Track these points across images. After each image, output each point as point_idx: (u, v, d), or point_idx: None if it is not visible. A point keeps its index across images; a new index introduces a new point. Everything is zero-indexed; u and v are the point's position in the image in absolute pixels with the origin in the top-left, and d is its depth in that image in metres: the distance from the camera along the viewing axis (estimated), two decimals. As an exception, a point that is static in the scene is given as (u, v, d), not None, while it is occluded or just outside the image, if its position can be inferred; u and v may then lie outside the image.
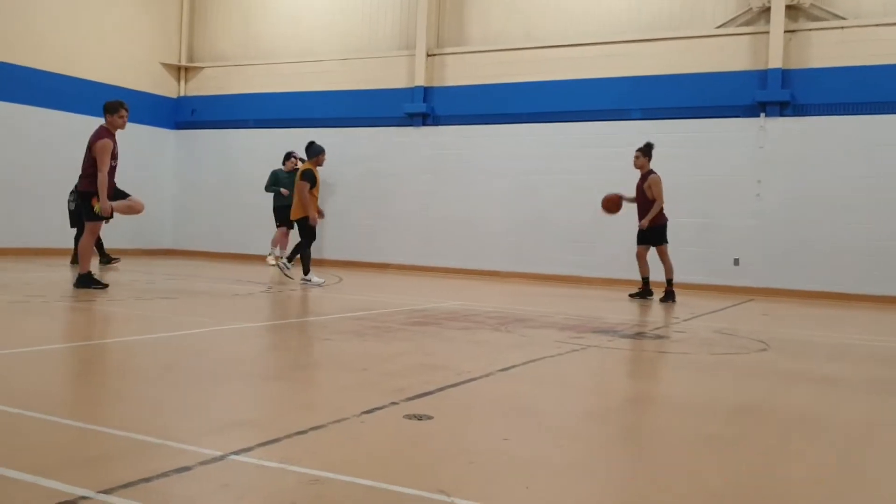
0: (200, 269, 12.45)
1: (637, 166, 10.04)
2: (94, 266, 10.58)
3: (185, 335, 5.78)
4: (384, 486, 2.37)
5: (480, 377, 4.25)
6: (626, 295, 10.44)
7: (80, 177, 8.17)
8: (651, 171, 9.91)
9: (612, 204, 10.09)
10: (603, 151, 12.85)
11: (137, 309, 7.37)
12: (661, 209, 9.84)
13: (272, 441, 2.80)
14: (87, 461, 2.50)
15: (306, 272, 9.93)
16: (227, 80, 16.38)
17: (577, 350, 5.42)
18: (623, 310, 8.81)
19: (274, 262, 13.28)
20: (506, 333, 6.12)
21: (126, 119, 8.23)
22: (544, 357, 5.07)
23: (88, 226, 8.20)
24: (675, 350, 5.72)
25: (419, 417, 3.21)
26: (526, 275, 13.22)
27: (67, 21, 14.24)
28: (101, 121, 8.24)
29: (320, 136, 15.06)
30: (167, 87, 16.60)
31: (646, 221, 9.80)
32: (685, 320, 7.75)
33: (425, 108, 14.25)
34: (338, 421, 3.13)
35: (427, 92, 14.36)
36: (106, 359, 4.70)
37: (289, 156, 13.45)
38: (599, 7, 13.19)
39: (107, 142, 7.94)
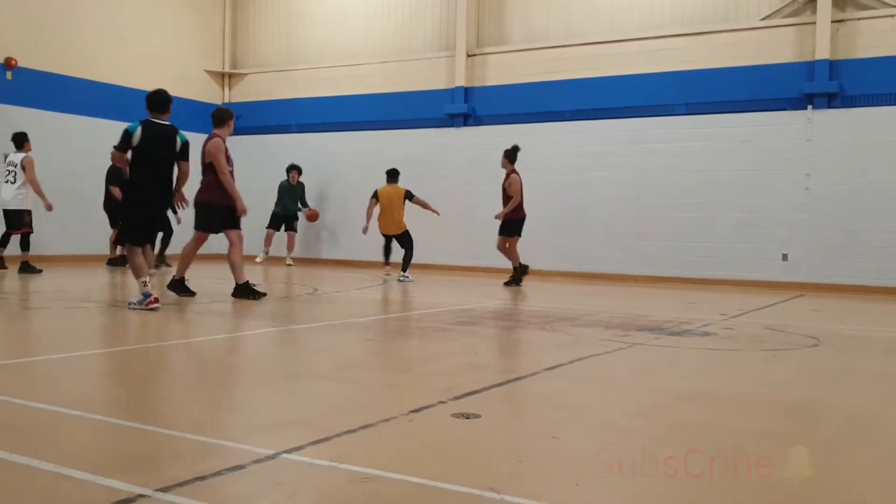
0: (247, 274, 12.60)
1: (502, 166, 10.98)
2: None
3: (236, 337, 5.88)
4: (435, 483, 2.39)
5: (527, 376, 4.25)
6: (631, 290, 10.34)
7: (199, 190, 8.00)
8: (513, 171, 10.85)
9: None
10: (647, 148, 12.73)
11: (187, 312, 7.50)
12: (520, 205, 10.85)
13: (323, 440, 2.84)
14: (145, 460, 2.56)
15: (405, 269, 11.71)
16: (270, 85, 16.57)
17: (623, 348, 5.39)
18: (669, 307, 8.72)
19: (261, 261, 14.57)
20: (551, 332, 6.10)
21: (232, 128, 8.28)
22: (591, 355, 5.04)
23: (197, 235, 8.02)
24: (724, 347, 5.65)
25: (467, 416, 3.22)
26: (569, 273, 13.14)
27: (113, 32, 14.54)
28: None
29: (362, 138, 15.22)
30: (212, 94, 16.85)
31: (501, 214, 10.86)
32: (733, 317, 7.64)
33: (466, 108, 14.26)
34: (386, 420, 3.16)
35: (468, 92, 14.36)
36: (162, 361, 4.79)
37: (290, 168, 14.66)
38: (641, 2, 13.06)
39: (218, 140, 7.92)
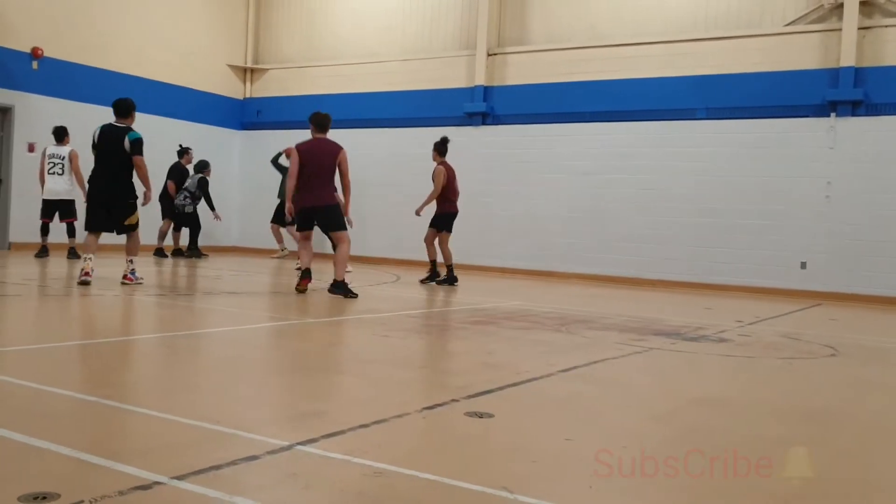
0: (264, 266, 12.68)
1: (433, 158, 10.62)
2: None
3: (251, 329, 5.91)
4: (447, 480, 2.40)
5: (541, 377, 4.25)
6: (648, 294, 10.29)
7: (315, 190, 8.07)
8: (442, 163, 10.45)
9: None
10: (665, 151, 12.69)
11: (205, 303, 7.55)
12: (450, 200, 10.43)
13: (337, 433, 2.85)
14: (162, 448, 2.59)
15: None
16: (291, 81, 16.64)
17: (638, 352, 5.37)
18: (685, 312, 8.68)
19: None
20: (566, 334, 6.09)
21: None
22: (606, 359, 5.03)
23: (344, 234, 8.19)
24: (740, 353, 5.61)
25: (480, 415, 3.22)
26: (585, 275, 13.12)
27: (138, 24, 14.66)
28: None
29: (380, 135, 15.24)
30: (233, 89, 16.95)
31: (420, 208, 10.53)
32: (750, 324, 7.60)
33: (485, 107, 14.26)
34: (400, 416, 3.17)
35: (487, 91, 14.36)
36: (179, 350, 4.83)
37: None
38: (665, 5, 13.01)
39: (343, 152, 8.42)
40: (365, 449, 2.67)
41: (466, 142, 14.42)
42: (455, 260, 14.22)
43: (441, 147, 10.49)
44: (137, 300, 7.31)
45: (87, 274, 7.77)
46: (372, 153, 15.05)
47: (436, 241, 10.55)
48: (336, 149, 8.18)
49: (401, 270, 13.15)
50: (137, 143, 8.13)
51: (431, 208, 10.58)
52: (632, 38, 13.14)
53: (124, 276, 8.10)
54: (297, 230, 8.46)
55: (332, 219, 8.14)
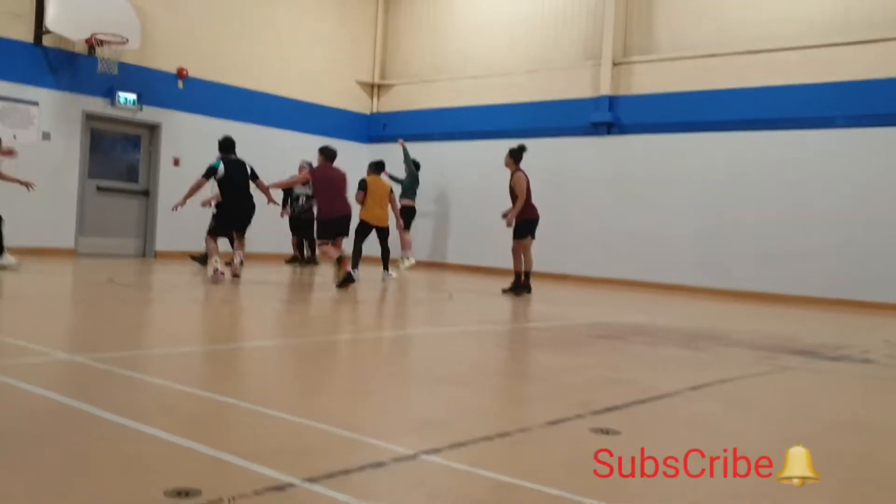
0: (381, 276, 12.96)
1: (506, 165, 10.38)
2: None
3: (378, 338, 6.06)
4: (572, 496, 2.38)
5: (669, 395, 4.14)
6: (782, 310, 9.74)
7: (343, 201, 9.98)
8: (518, 170, 10.18)
9: None
10: (803, 161, 12.09)
11: (333, 310, 7.79)
12: (531, 205, 10.15)
13: (461, 444, 2.88)
14: (294, 450, 2.69)
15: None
16: (416, 95, 16.97)
17: (772, 371, 5.15)
18: (824, 330, 8.25)
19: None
20: (694, 351, 5.92)
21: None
22: (737, 377, 4.85)
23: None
24: (887, 376, 5.29)
25: (606, 432, 3.18)
26: (714, 290, 12.67)
27: (273, 45, 15.36)
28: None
29: (504, 147, 15.24)
30: (362, 104, 17.46)
31: (510, 218, 10.09)
32: (896, 344, 7.14)
33: (610, 117, 14.05)
34: (523, 430, 3.17)
35: (612, 101, 14.16)
36: (307, 356, 5.01)
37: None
38: (801, 9, 12.42)
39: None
40: (489, 461, 2.69)
41: (591, 152, 14.27)
42: (579, 272, 14.12)
43: (518, 154, 10.32)
44: (267, 306, 7.62)
45: (221, 274, 9.19)
46: (495, 164, 15.00)
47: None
48: (344, 173, 10.28)
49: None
50: (253, 170, 10.09)
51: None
52: (765, 45, 12.62)
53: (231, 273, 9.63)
54: (334, 236, 9.83)
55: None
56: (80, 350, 4.56)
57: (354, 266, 10.80)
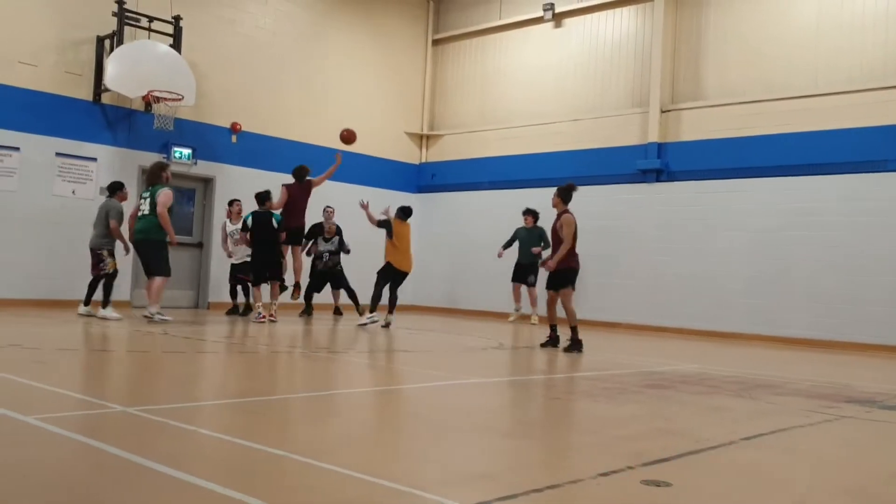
0: (434, 324, 12.98)
1: (553, 205, 9.44)
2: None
3: (425, 388, 6.06)
4: (622, 550, 2.35)
5: (722, 445, 4.06)
6: (839, 358, 9.44)
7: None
8: (565, 211, 9.24)
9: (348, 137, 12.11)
10: (855, 206, 11.87)
11: (382, 360, 7.83)
12: (572, 252, 9.17)
13: (510, 497, 2.86)
14: (342, 503, 2.71)
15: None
16: (464, 145, 17.17)
17: (830, 420, 5.02)
18: (883, 378, 8.01)
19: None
20: (748, 400, 5.79)
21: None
22: (793, 427, 4.74)
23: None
24: (950, 426, 5.10)
25: (657, 484, 3.13)
26: (767, 337, 12.41)
27: (322, 97, 15.76)
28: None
29: (552, 195, 15.28)
30: (411, 155, 17.72)
31: (553, 263, 9.11)
32: (961, 393, 6.89)
33: (659, 164, 14.02)
34: (573, 482, 3.14)
35: (661, 148, 14.14)
36: (356, 407, 5.04)
37: (525, 213, 14.11)
38: (848, 54, 12.30)
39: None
40: (538, 513, 2.67)
41: (641, 199, 14.21)
42: (629, 320, 13.96)
43: (566, 194, 9.38)
44: (312, 356, 7.69)
45: (263, 318, 10.98)
46: (544, 212, 15.12)
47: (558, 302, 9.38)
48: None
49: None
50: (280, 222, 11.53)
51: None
52: (812, 90, 12.52)
53: (268, 316, 11.08)
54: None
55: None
56: (135, 402, 4.66)
57: (373, 310, 11.11)
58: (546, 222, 12.47)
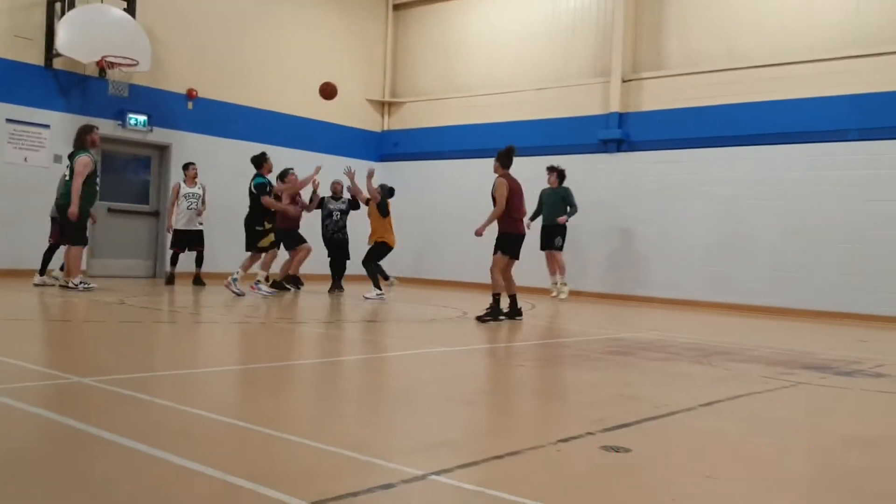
0: (400, 294, 12.95)
1: (494, 171, 8.79)
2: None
3: (389, 357, 6.04)
4: (582, 516, 2.35)
5: (681, 411, 4.10)
6: (794, 325, 9.64)
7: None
8: (503, 175, 8.61)
9: (329, 91, 11.14)
10: (813, 175, 12.04)
11: (345, 330, 7.78)
12: (513, 218, 8.57)
13: (470, 464, 2.86)
14: (302, 473, 2.67)
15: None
16: (427, 113, 17.03)
17: (786, 387, 5.09)
18: (836, 345, 8.17)
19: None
20: (707, 366, 5.86)
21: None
22: (750, 393, 4.80)
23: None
24: (901, 390, 5.22)
25: (617, 449, 3.14)
26: (727, 305, 12.59)
27: (281, 64, 15.49)
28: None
29: (515, 164, 15.23)
30: (373, 122, 17.54)
31: (481, 228, 8.66)
32: (912, 358, 7.06)
33: (620, 133, 14.05)
34: (534, 448, 3.14)
35: (622, 118, 14.16)
36: (318, 377, 4.99)
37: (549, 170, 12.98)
38: (811, 23, 12.39)
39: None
40: (499, 481, 2.66)
41: (602, 168, 14.25)
42: (590, 289, 14.05)
43: (504, 158, 8.69)
44: (283, 327, 7.62)
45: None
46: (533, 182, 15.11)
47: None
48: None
49: (534, 298, 13.07)
50: (259, 187, 10.93)
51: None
52: (775, 59, 12.60)
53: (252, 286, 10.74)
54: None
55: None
56: (91, 372, 4.56)
57: (379, 285, 11.14)
58: (569, 183, 12.74)
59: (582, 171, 14.38)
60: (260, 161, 11.08)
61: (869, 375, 5.77)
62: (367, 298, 10.86)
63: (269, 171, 11.21)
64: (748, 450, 3.39)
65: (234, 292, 10.38)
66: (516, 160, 8.88)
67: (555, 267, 13.01)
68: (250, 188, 10.95)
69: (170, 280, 11.95)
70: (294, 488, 2.44)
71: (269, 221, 10.92)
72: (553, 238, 12.76)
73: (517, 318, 8.77)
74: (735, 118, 12.87)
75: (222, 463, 2.71)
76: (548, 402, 4.41)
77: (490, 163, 8.92)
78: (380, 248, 11.29)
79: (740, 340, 7.94)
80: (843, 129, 11.87)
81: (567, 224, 12.85)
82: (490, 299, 8.56)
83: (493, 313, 8.43)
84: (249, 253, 10.87)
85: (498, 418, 3.90)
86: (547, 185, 13.01)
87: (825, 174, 11.93)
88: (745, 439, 3.60)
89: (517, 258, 8.76)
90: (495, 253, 8.66)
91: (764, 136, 12.54)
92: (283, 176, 11.79)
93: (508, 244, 8.63)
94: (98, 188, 10.65)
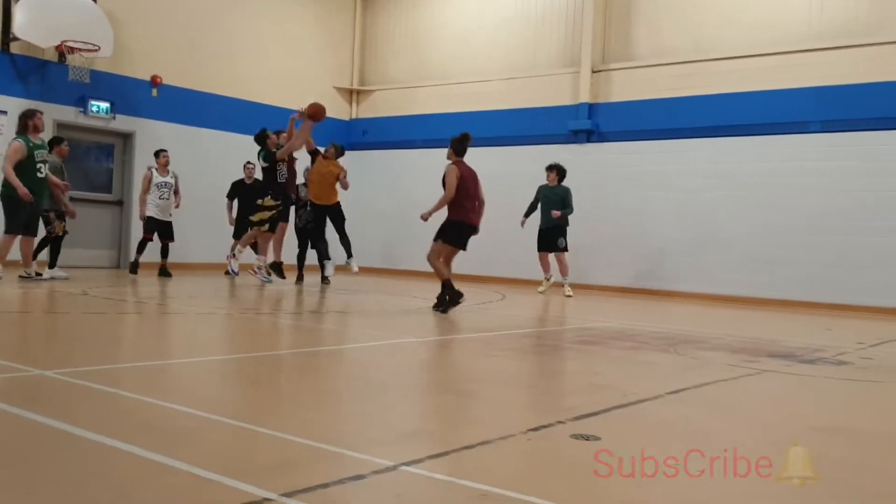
0: (371, 285, 12.90)
1: (447, 157, 8.85)
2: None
3: (360, 348, 6.01)
4: (552, 505, 2.35)
5: (649, 399, 4.13)
6: (761, 314, 9.79)
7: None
8: (456, 163, 8.61)
9: (318, 113, 10.38)
10: (780, 167, 12.21)
11: (314, 321, 7.73)
12: (463, 206, 8.43)
13: (441, 454, 2.85)
14: (271, 465, 2.64)
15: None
16: (396, 101, 16.95)
17: (752, 374, 5.16)
18: (802, 333, 8.30)
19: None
20: (674, 355, 5.92)
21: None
22: (716, 381, 4.85)
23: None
24: (862, 378, 5.31)
25: (586, 438, 3.15)
26: (694, 294, 12.74)
27: (249, 51, 15.30)
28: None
29: (485, 154, 15.20)
30: (341, 110, 17.41)
31: (427, 213, 8.56)
32: (872, 346, 7.19)
33: (590, 124, 14.11)
34: (504, 437, 3.14)
35: (592, 108, 14.21)
36: (288, 368, 4.95)
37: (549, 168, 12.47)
38: (777, 16, 12.54)
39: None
40: (469, 470, 2.65)
41: (572, 159, 14.25)
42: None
43: (457, 145, 8.65)
44: (250, 318, 7.55)
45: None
46: (477, 171, 15.08)
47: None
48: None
49: (505, 288, 13.12)
50: (268, 157, 10.82)
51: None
52: (741, 51, 12.73)
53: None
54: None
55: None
56: (53, 365, 4.47)
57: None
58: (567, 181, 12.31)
59: (552, 161, 14.41)
60: (262, 138, 10.95)
61: (832, 363, 5.86)
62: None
63: (274, 145, 10.92)
64: (713, 438, 3.42)
65: (262, 280, 10.79)
66: (488, 150, 8.92)
67: (549, 265, 12.43)
68: (260, 164, 10.94)
69: (134, 269, 11.66)
70: (263, 480, 2.41)
71: (274, 200, 10.68)
72: (556, 239, 12.16)
73: (460, 300, 8.41)
74: (703, 110, 12.99)
75: (190, 456, 2.66)
76: (518, 392, 4.42)
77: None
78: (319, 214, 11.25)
79: (707, 329, 8.03)
80: (806, 122, 12.04)
81: (569, 222, 12.25)
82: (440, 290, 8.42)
83: (449, 300, 8.25)
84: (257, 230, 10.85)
85: (469, 408, 3.89)
86: (545, 182, 12.44)
87: (791, 165, 12.10)
88: (710, 427, 3.64)
89: (464, 248, 8.56)
90: (436, 240, 8.45)
91: (729, 128, 12.68)
92: (263, 139, 11.11)
93: (456, 234, 8.40)
94: (63, 177, 10.43)
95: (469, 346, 6.40)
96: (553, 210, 11.99)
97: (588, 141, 14.21)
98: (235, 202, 12.74)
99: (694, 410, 4.01)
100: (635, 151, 13.63)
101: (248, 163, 12.68)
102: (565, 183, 12.33)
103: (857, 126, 11.68)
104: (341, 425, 3.34)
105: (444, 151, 8.77)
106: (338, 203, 11.41)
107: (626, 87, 13.95)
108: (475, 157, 16.07)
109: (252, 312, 8.08)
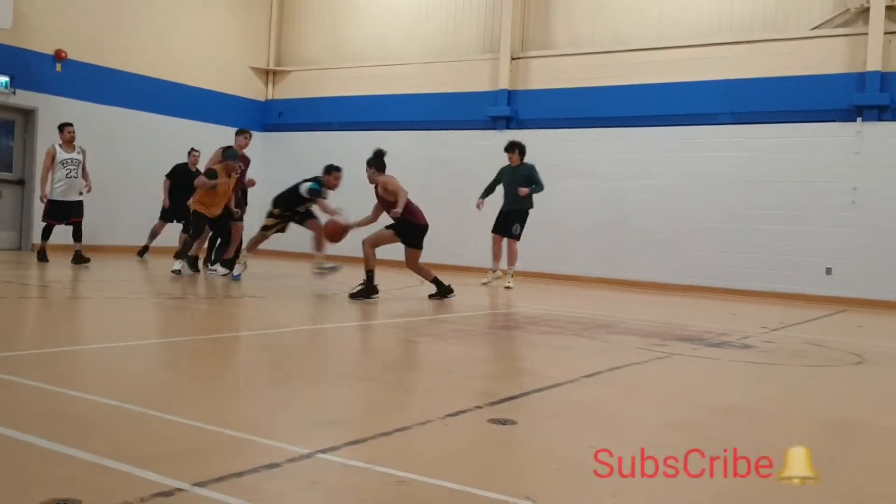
0: (289, 269, 12.72)
1: (370, 180, 8.78)
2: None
3: (276, 333, 5.91)
4: (470, 489, 2.37)
5: (565, 383, 4.21)
6: (671, 299, 10.14)
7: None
8: (384, 176, 8.63)
9: (336, 234, 9.22)
10: (690, 157, 12.58)
11: (230, 307, 7.57)
12: (414, 211, 8.60)
13: (358, 441, 2.83)
14: (183, 454, 2.58)
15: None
16: (314, 83, 16.68)
17: (661, 358, 5.31)
18: (709, 318, 8.60)
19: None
20: (589, 339, 6.05)
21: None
22: (628, 364, 4.98)
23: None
24: (764, 360, 5.54)
25: (503, 422, 3.19)
26: (609, 280, 13.03)
27: (160, 27, 14.74)
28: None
29: (404, 139, 15.20)
30: (256, 91, 17.02)
31: (395, 211, 8.32)
32: (774, 330, 7.51)
33: (509, 111, 14.21)
34: (422, 423, 3.15)
35: (511, 95, 14.31)
36: (200, 355, 4.83)
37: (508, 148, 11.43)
38: (689, 10, 12.88)
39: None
40: (386, 457, 2.65)
41: (491, 146, 14.33)
42: (477, 264, 14.20)
43: (377, 162, 8.75)
44: (165, 303, 7.34)
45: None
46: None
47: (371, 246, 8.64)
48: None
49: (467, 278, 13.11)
50: (313, 192, 10.44)
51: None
52: (655, 43, 13.04)
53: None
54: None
55: None
56: (-52, 350, 4.25)
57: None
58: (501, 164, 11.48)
59: (472, 147, 14.48)
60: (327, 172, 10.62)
61: (737, 347, 6.09)
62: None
63: (332, 187, 10.44)
64: (626, 420, 3.51)
65: (324, 271, 10.32)
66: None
67: (500, 252, 11.40)
68: (300, 187, 10.42)
69: (42, 256, 10.63)
70: (174, 470, 2.35)
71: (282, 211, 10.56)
72: (511, 225, 11.20)
73: (450, 295, 8.65)
74: (618, 100, 13.24)
75: (97, 446, 2.57)
76: (438, 377, 4.44)
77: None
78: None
79: (620, 314, 8.23)
80: (716, 113, 12.44)
81: (529, 212, 11.44)
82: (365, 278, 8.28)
83: (366, 291, 8.15)
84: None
85: (387, 395, 3.88)
86: (507, 164, 11.44)
87: (700, 156, 12.49)
88: (623, 409, 3.73)
89: (420, 248, 8.68)
90: (410, 246, 8.58)
91: (644, 118, 12.98)
92: (233, 157, 10.61)
93: (421, 238, 8.62)
94: None
95: (386, 333, 6.39)
96: (520, 188, 11.05)
97: (507, 128, 14.30)
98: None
99: (608, 393, 4.10)
100: (553, 139, 13.80)
101: (193, 149, 12.28)
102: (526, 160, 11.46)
103: (764, 118, 12.12)
104: (255, 413, 3.29)
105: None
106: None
107: (544, 75, 14.10)
108: (392, 141, 16.02)
109: (166, 297, 7.85)
